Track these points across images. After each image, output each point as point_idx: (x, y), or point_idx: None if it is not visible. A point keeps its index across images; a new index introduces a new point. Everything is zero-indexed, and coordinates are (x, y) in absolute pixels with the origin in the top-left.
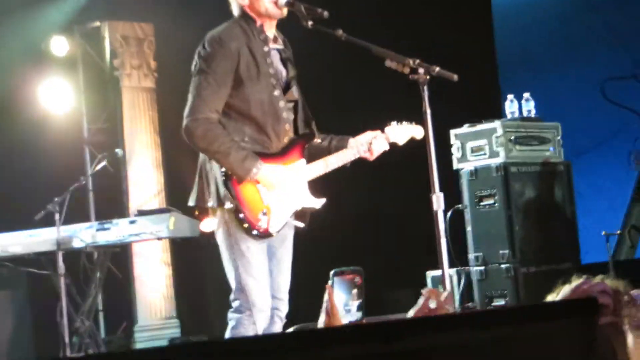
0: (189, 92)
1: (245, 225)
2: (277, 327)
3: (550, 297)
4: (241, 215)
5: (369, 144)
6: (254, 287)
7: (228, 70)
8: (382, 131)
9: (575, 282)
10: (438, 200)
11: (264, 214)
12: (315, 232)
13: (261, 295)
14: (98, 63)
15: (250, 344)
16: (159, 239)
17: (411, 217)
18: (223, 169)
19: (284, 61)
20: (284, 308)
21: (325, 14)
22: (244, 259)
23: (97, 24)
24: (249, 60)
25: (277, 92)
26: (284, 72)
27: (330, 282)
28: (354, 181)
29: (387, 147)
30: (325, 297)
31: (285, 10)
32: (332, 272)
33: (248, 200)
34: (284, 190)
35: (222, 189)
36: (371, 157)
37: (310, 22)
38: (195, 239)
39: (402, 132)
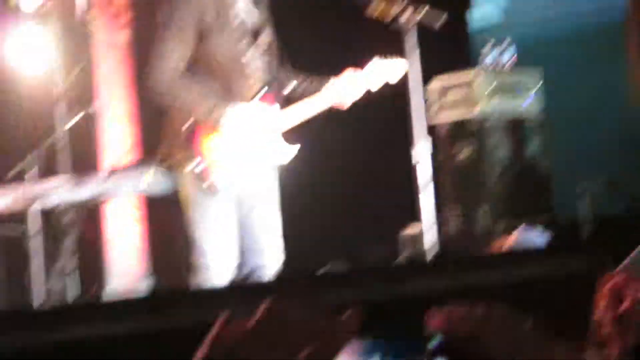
0: (152, 47)
1: (208, 182)
2: None
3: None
4: (204, 172)
5: (343, 88)
6: (208, 246)
7: (190, 24)
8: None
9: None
10: (420, 152)
11: (229, 170)
12: (289, 188)
13: (216, 255)
14: (69, 16)
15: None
16: (135, 193)
17: (391, 169)
18: (188, 124)
19: (255, 2)
20: (268, 272)
21: None
22: (202, 214)
23: None
24: (213, 12)
25: (243, 44)
26: (254, 15)
27: None
28: (329, 134)
29: (360, 93)
30: None
31: None
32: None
33: (213, 155)
34: (255, 139)
35: (188, 145)
36: (343, 105)
37: None
38: (171, 194)
39: (383, 67)
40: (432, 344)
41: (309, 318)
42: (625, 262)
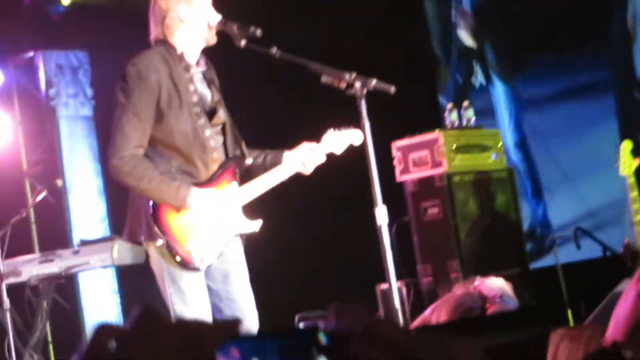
0: (112, 127)
1: (178, 258)
2: None
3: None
4: (173, 250)
5: (303, 158)
6: (190, 317)
7: (150, 105)
8: (319, 141)
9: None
10: (381, 214)
11: (198, 245)
12: (255, 255)
13: None
14: (34, 94)
15: None
16: (104, 267)
17: (359, 231)
18: (151, 203)
19: (208, 83)
20: (254, 327)
21: (259, 32)
22: (178, 289)
23: (31, 54)
24: (171, 91)
25: (202, 121)
26: (208, 95)
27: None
28: (295, 200)
29: (322, 159)
30: None
31: (214, 33)
32: (297, 317)
33: (180, 232)
34: (219, 217)
35: (152, 224)
36: (307, 171)
37: (243, 41)
38: (141, 266)
39: (339, 138)
40: (321, 338)
41: (182, 323)
42: (598, 309)
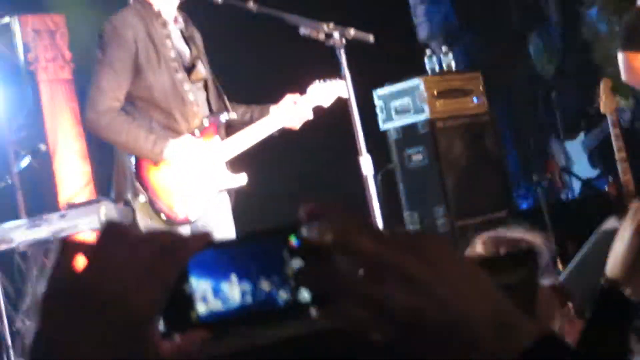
0: (90, 83)
1: (162, 216)
2: None
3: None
4: (156, 206)
5: (288, 111)
6: None
7: (125, 59)
8: (303, 93)
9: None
10: (366, 164)
11: (181, 201)
12: (241, 210)
13: None
14: (12, 59)
15: None
16: (92, 230)
17: (344, 181)
18: (133, 160)
19: (186, 40)
20: None
21: None
22: None
23: (7, 19)
24: (148, 46)
25: (180, 75)
26: (187, 52)
27: None
28: (280, 153)
29: (310, 115)
30: None
31: None
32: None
33: (162, 188)
34: (201, 170)
35: (135, 181)
36: (294, 126)
37: None
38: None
39: (326, 90)
40: (293, 240)
41: (151, 234)
42: (586, 248)
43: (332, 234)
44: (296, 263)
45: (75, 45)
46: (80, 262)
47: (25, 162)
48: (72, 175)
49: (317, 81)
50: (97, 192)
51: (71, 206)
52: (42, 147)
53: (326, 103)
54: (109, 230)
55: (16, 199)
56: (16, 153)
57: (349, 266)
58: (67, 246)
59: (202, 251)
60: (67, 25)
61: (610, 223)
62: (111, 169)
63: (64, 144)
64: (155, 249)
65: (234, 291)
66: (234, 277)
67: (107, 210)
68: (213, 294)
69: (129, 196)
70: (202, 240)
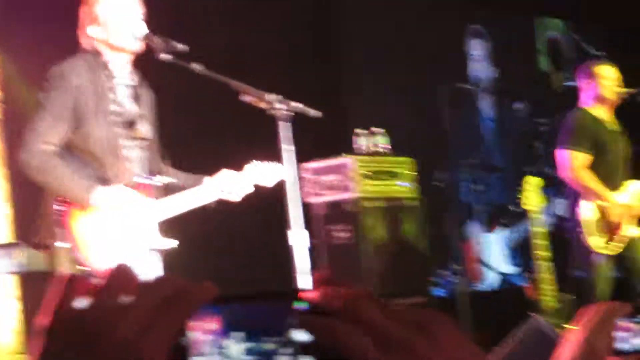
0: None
1: (80, 266)
2: None
3: None
4: (75, 256)
5: (222, 186)
6: None
7: (66, 105)
8: (240, 169)
9: None
10: (296, 237)
11: (101, 253)
12: (172, 270)
13: None
14: None
15: None
16: (11, 273)
17: (270, 252)
18: (58, 205)
19: (134, 97)
20: None
21: (181, 47)
22: None
23: None
24: (90, 96)
25: (118, 130)
26: (132, 108)
27: None
28: (206, 220)
29: (250, 189)
30: None
31: (140, 44)
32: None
33: (84, 238)
34: (127, 225)
35: (57, 227)
36: (232, 198)
37: (165, 55)
38: (47, 272)
39: (263, 172)
40: (299, 305)
41: (159, 281)
42: (510, 343)
43: (342, 300)
44: (300, 328)
45: (7, 86)
46: (85, 301)
47: None
48: None
49: (255, 161)
50: (17, 236)
51: None
52: None
53: (268, 184)
54: (117, 273)
55: None
56: None
57: (355, 336)
58: (73, 283)
59: (207, 305)
60: (1, 65)
61: (534, 321)
62: (34, 212)
63: None
64: (162, 296)
65: (234, 349)
66: (236, 335)
67: (25, 255)
68: (211, 349)
69: (51, 242)
70: (210, 293)
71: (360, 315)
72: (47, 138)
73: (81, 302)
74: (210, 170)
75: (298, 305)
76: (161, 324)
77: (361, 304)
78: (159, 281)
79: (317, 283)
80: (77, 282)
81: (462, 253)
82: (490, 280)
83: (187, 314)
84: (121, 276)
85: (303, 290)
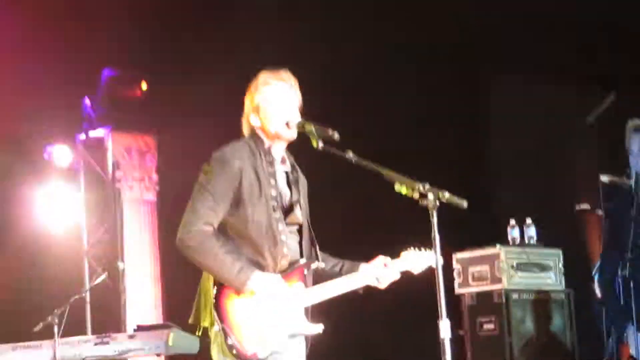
0: (187, 205)
1: (234, 350)
2: None
3: None
4: (229, 339)
5: (377, 272)
6: None
7: (228, 189)
8: (397, 256)
9: None
10: (444, 328)
11: (252, 336)
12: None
13: None
14: (99, 174)
15: None
16: (158, 355)
17: (419, 343)
18: (215, 288)
19: (290, 183)
20: None
21: (336, 135)
22: None
23: (101, 132)
24: (252, 181)
25: (277, 215)
26: (288, 194)
27: None
28: (351, 306)
29: (397, 277)
30: None
31: (295, 132)
32: None
33: (236, 319)
34: (279, 310)
35: (213, 309)
36: (381, 286)
37: (320, 144)
38: (193, 356)
39: (419, 259)
40: None
41: None
42: None
43: None
44: None
45: (162, 169)
46: None
47: (101, 278)
48: (142, 296)
49: (411, 248)
50: (165, 317)
51: (140, 328)
52: (120, 265)
53: (416, 271)
54: None
55: (84, 314)
56: (90, 267)
57: None
58: None
59: None
60: (157, 147)
61: None
62: (186, 294)
63: (138, 264)
64: None
65: None
66: None
67: (175, 337)
68: None
69: (205, 323)
70: None
71: None
72: (208, 219)
73: None
74: (352, 256)
75: None
76: None
77: None
78: None
79: None
80: None
81: (616, 354)
82: None
83: None
84: None
85: None
